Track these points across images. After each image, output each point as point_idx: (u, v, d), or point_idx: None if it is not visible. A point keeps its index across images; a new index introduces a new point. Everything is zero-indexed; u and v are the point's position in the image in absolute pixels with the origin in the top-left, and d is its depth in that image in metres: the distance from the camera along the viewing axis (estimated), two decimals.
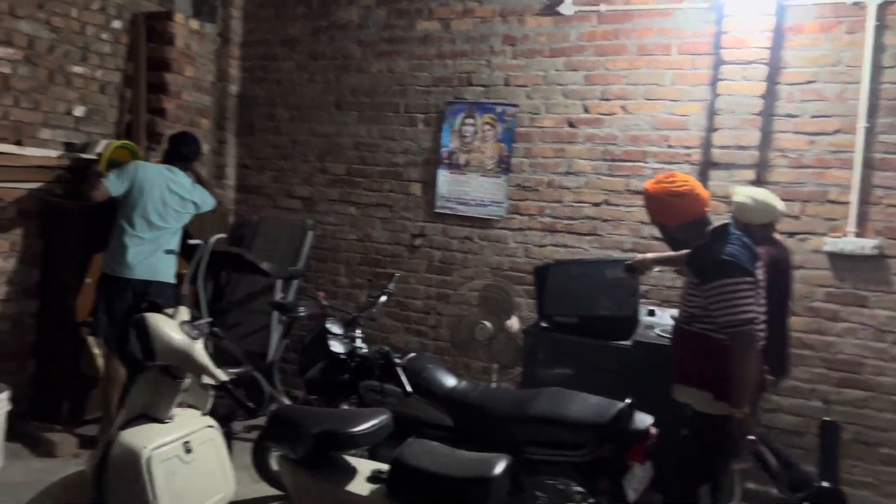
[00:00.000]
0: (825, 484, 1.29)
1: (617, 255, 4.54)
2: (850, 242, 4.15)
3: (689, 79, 4.54)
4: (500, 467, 2.15)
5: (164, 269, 4.13)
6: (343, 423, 2.33)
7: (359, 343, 3.40)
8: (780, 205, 3.80)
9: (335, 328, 3.43)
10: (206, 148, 5.71)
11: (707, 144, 4.46)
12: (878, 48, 4.11)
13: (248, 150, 5.92)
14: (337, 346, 3.36)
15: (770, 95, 4.32)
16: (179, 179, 4.25)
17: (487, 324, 4.22)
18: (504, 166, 5.02)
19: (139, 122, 5.16)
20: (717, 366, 2.70)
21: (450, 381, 3.22)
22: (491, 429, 2.92)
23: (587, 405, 2.84)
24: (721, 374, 2.68)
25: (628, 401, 2.78)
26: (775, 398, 4.32)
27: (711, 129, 4.43)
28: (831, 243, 4.20)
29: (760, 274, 2.85)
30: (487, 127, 5.05)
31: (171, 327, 2.41)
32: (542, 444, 2.86)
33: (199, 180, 4.50)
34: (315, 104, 5.66)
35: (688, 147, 4.54)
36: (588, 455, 2.72)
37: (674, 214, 2.89)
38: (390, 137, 5.41)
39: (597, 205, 4.76)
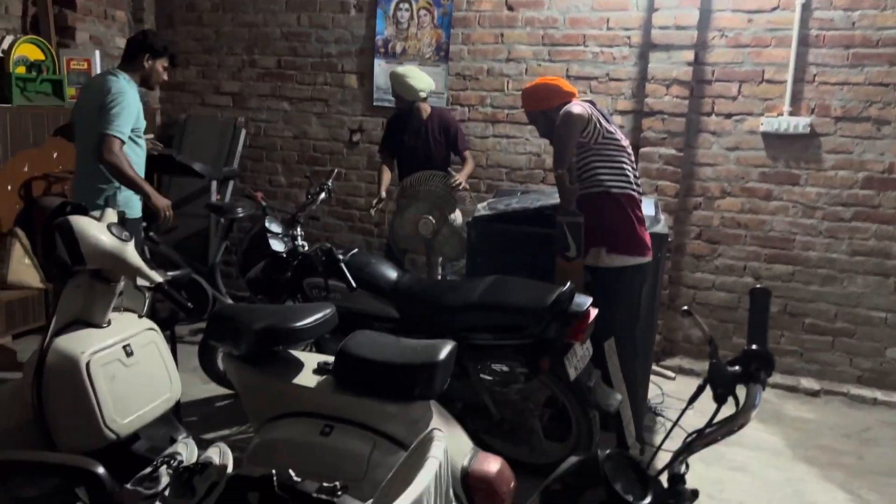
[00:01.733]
0: (754, 347, 1.33)
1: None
2: (785, 121, 4.22)
3: None
4: (444, 352, 2.18)
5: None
6: (285, 318, 2.31)
7: (300, 241, 3.34)
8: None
9: (275, 227, 3.36)
10: (123, 43, 5.34)
11: (647, 25, 4.38)
12: None
13: (169, 44, 5.53)
14: (277, 245, 3.30)
15: None
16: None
17: (430, 218, 4.20)
18: (443, 54, 4.86)
19: (46, 15, 4.76)
20: (602, 221, 3.08)
21: (393, 274, 3.22)
22: (435, 318, 2.95)
23: (529, 290, 2.89)
24: (606, 228, 3.07)
25: (569, 284, 2.83)
26: (710, 276, 4.51)
27: (652, 8, 4.33)
28: (766, 123, 4.26)
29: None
30: (423, 12, 4.84)
31: (98, 230, 2.30)
32: (486, 329, 2.91)
33: None
34: None
35: (627, 29, 4.46)
36: (531, 337, 2.79)
37: (543, 101, 3.26)
38: (321, 25, 5.14)
39: None
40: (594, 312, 2.87)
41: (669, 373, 4.45)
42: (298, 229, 3.41)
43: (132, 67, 3.62)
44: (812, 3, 4.10)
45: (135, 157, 3.59)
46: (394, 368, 2.11)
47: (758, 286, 1.41)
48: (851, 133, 4.14)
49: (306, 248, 3.29)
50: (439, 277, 4.48)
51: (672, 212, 4.44)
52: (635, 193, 3.22)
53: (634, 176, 3.25)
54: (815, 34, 4.13)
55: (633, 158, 3.30)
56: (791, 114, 4.22)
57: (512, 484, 2.16)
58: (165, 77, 3.75)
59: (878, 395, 4.18)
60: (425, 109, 4.35)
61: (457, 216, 4.26)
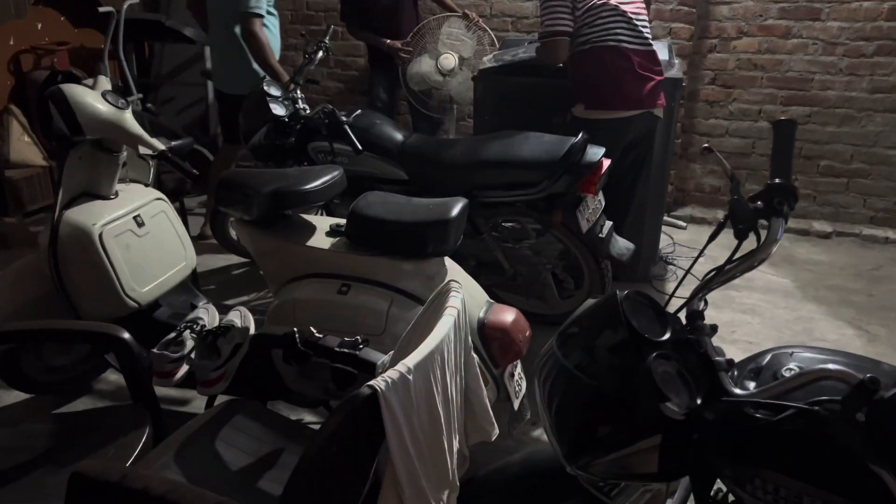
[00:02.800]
0: (777, 180, 1.29)
1: None
2: None
3: None
4: (456, 210, 2.15)
5: None
6: (294, 181, 2.27)
7: (300, 104, 3.24)
8: None
9: (273, 90, 3.23)
10: None
11: None
12: None
13: None
14: (278, 109, 3.19)
15: None
16: None
17: (452, 56, 4.01)
18: None
19: None
20: (579, 78, 3.13)
21: (399, 135, 3.14)
22: (445, 177, 2.91)
23: (540, 144, 2.81)
24: (583, 86, 3.13)
25: (582, 135, 2.76)
26: (724, 122, 4.39)
27: None
28: None
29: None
30: None
31: (93, 97, 2.22)
32: (497, 186, 2.87)
33: None
34: None
35: None
36: (543, 192, 2.76)
37: None
38: None
39: None
40: (607, 163, 2.82)
41: (681, 223, 4.45)
42: (298, 92, 3.29)
43: None
44: None
45: (271, 27, 3.60)
46: (406, 227, 2.10)
47: (782, 118, 1.34)
48: None
49: (308, 110, 3.20)
50: (454, 126, 4.39)
51: (686, 56, 4.25)
52: (625, 44, 3.06)
53: (630, 27, 3.07)
54: None
55: (637, 10, 3.12)
56: None
57: (528, 332, 2.21)
58: None
59: (891, 233, 4.18)
60: None
61: (470, 58, 4.10)
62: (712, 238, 1.33)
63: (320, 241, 2.25)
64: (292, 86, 3.30)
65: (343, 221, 2.27)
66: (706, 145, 1.40)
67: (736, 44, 4.23)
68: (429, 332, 1.36)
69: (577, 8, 3.04)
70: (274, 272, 2.33)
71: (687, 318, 1.28)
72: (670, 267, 3.88)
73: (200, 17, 4.90)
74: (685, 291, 1.37)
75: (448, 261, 2.27)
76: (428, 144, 3.13)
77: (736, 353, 1.28)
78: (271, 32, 3.64)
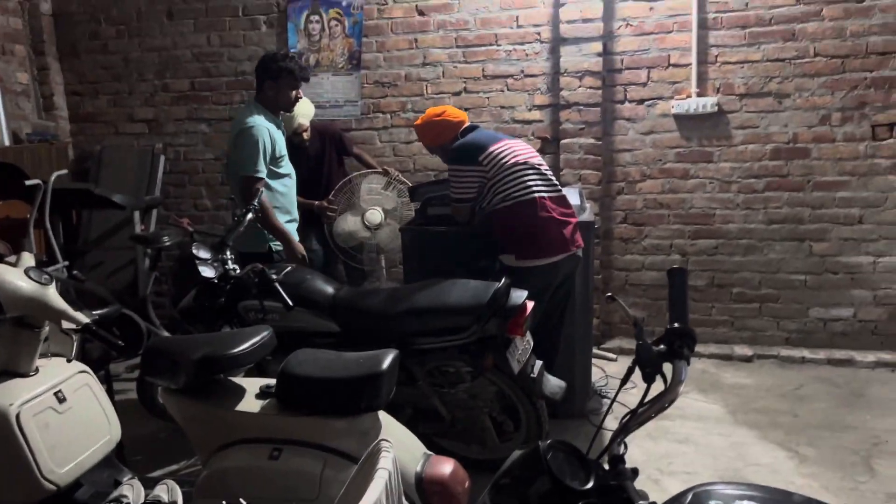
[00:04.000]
0: (676, 325, 1.39)
1: None
2: (693, 103, 4.39)
3: None
4: (387, 362, 2.19)
5: None
6: (222, 345, 2.27)
7: (230, 265, 3.28)
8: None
9: (202, 253, 3.28)
10: (25, 77, 5.15)
11: (555, 20, 4.48)
12: None
13: (75, 74, 5.36)
14: (207, 271, 3.22)
15: None
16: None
17: (378, 210, 4.19)
18: (355, 62, 4.85)
19: None
20: (505, 232, 3.35)
21: (330, 288, 3.20)
22: (377, 327, 2.95)
23: (466, 290, 2.92)
24: (510, 238, 3.34)
25: (505, 280, 2.89)
26: (639, 257, 4.65)
27: (558, 3, 4.44)
28: (677, 106, 4.42)
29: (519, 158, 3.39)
30: (334, 23, 4.83)
31: (15, 275, 2.21)
32: (429, 333, 2.93)
33: None
34: (143, 16, 5.17)
35: (537, 25, 4.55)
36: (473, 336, 2.83)
37: (438, 137, 3.53)
38: (232, 44, 5.07)
39: (457, 94, 4.74)
40: (531, 305, 2.93)
41: (611, 355, 4.57)
42: (228, 253, 3.35)
43: (261, 96, 3.65)
44: None
45: (282, 189, 3.66)
46: (337, 383, 2.11)
47: (674, 266, 1.47)
48: (756, 108, 4.34)
49: (238, 270, 3.24)
50: (384, 275, 4.50)
51: (597, 199, 4.56)
52: (542, 196, 3.32)
53: (542, 178, 3.36)
54: (713, 17, 4.32)
55: (541, 161, 3.45)
56: (699, 95, 4.39)
57: (466, 483, 2.19)
58: (299, 95, 3.74)
59: (806, 353, 4.40)
60: (306, 134, 4.37)
61: (396, 211, 4.29)
62: (624, 381, 1.41)
63: (250, 404, 2.22)
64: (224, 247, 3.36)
65: (273, 382, 2.26)
66: (609, 294, 1.51)
67: (641, 185, 4.58)
68: (361, 496, 1.36)
69: (486, 171, 3.31)
70: (202, 440, 2.27)
71: (609, 463, 1.32)
72: (604, 400, 3.94)
73: (129, 182, 5.00)
74: (615, 424, 1.42)
75: (382, 414, 2.27)
76: (359, 296, 3.20)
77: (675, 486, 1.32)
78: (282, 194, 3.70)
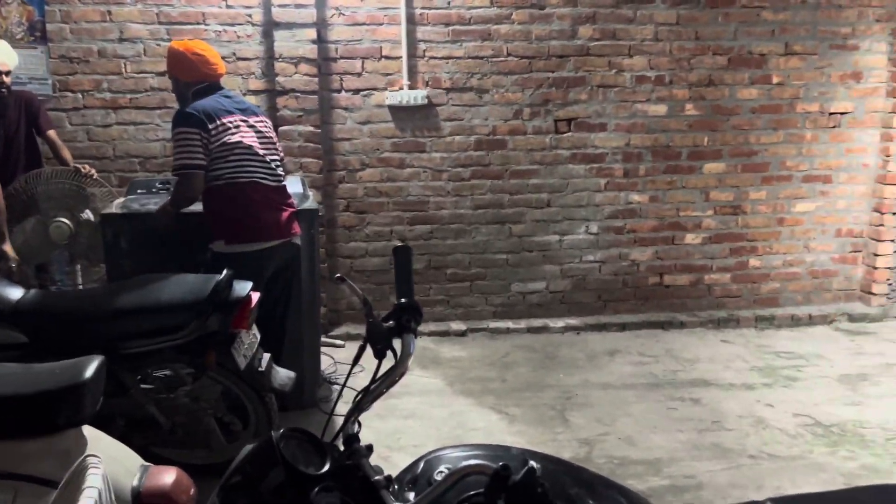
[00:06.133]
0: (403, 301, 1.43)
1: None
2: (405, 95, 4.59)
3: None
4: (90, 370, 1.93)
5: None
6: None
7: None
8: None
9: None
10: None
11: (267, 3, 4.35)
12: None
13: None
14: None
15: None
16: None
17: (64, 221, 3.68)
18: (38, 34, 4.22)
19: None
20: (215, 213, 3.18)
21: (15, 293, 2.75)
22: (76, 334, 2.61)
23: (183, 285, 2.72)
24: (220, 221, 3.17)
25: (227, 272, 2.74)
26: (363, 244, 4.75)
27: None
28: (391, 97, 4.59)
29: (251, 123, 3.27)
30: None
31: None
32: (142, 335, 2.67)
33: None
34: None
35: (248, 7, 4.39)
36: (193, 334, 2.64)
37: (184, 71, 3.23)
38: None
39: (161, 74, 4.36)
40: (256, 297, 2.82)
41: (338, 341, 4.62)
42: None
43: None
44: None
45: None
46: (26, 400, 1.81)
47: (398, 244, 1.51)
48: (460, 102, 4.68)
49: None
50: (80, 279, 4.00)
51: (319, 187, 4.55)
52: (259, 181, 3.22)
53: (264, 165, 3.25)
54: (420, 13, 4.55)
55: (272, 145, 3.33)
56: (410, 87, 4.60)
57: (192, 491, 2.03)
58: None
59: (510, 324, 4.89)
60: (6, 78, 3.78)
61: (89, 213, 3.82)
62: (356, 362, 1.41)
63: None
64: None
65: None
66: (338, 275, 1.50)
67: (361, 174, 4.68)
68: None
69: (210, 142, 3.08)
70: None
71: (344, 443, 1.32)
72: (335, 387, 3.97)
73: None
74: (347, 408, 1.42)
75: (88, 429, 2.00)
76: (51, 299, 2.81)
77: (405, 460, 1.35)
78: None
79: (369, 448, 1.32)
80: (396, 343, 1.40)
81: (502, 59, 4.64)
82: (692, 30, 4.73)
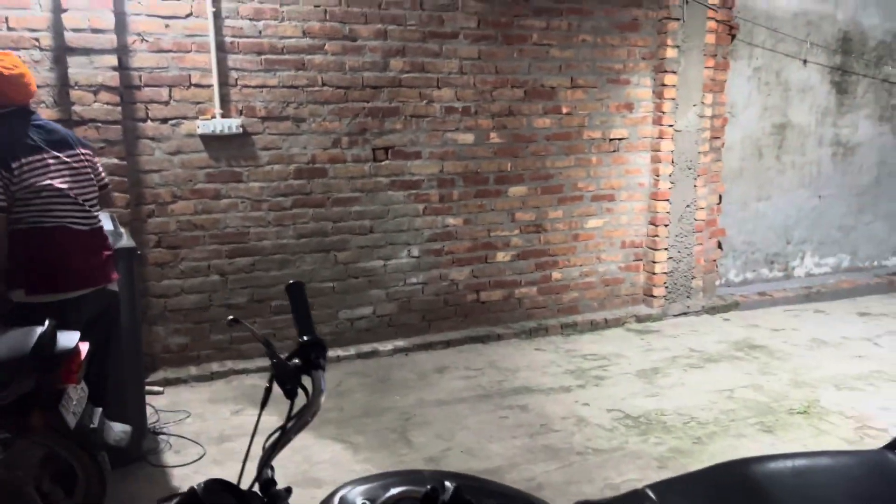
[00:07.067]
0: (305, 338, 1.44)
1: None
2: (218, 123, 4.44)
3: None
4: None
5: None
6: None
7: None
8: None
9: None
10: None
11: (58, 27, 3.99)
12: None
13: None
14: None
15: None
16: None
17: None
18: None
19: None
20: (15, 260, 2.86)
21: None
22: None
23: (0, 340, 2.41)
24: (21, 269, 2.87)
25: (50, 322, 2.47)
26: (177, 282, 4.49)
27: (60, 9, 3.97)
28: (202, 126, 4.41)
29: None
30: None
31: None
32: None
33: None
34: None
35: (34, 30, 3.99)
36: (11, 395, 2.35)
37: None
38: None
39: None
40: (85, 348, 2.58)
41: (157, 388, 4.31)
42: None
43: None
44: (222, 12, 4.38)
45: None
46: None
47: (291, 282, 1.51)
48: (277, 131, 4.63)
49: None
50: None
51: (126, 223, 4.21)
52: (69, 226, 2.95)
53: (77, 207, 2.98)
54: (230, 41, 4.44)
55: (88, 182, 3.06)
56: (223, 116, 4.46)
57: None
58: None
59: (340, 352, 4.88)
60: None
61: None
62: (264, 404, 1.39)
63: None
64: None
65: None
66: (231, 317, 1.46)
67: (173, 207, 4.43)
68: None
69: (12, 184, 2.77)
70: None
71: (261, 489, 1.29)
72: (161, 437, 3.70)
73: None
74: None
75: None
76: None
77: None
78: None
79: (288, 490, 1.31)
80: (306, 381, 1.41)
81: (318, 88, 4.67)
82: (492, 64, 5.12)
